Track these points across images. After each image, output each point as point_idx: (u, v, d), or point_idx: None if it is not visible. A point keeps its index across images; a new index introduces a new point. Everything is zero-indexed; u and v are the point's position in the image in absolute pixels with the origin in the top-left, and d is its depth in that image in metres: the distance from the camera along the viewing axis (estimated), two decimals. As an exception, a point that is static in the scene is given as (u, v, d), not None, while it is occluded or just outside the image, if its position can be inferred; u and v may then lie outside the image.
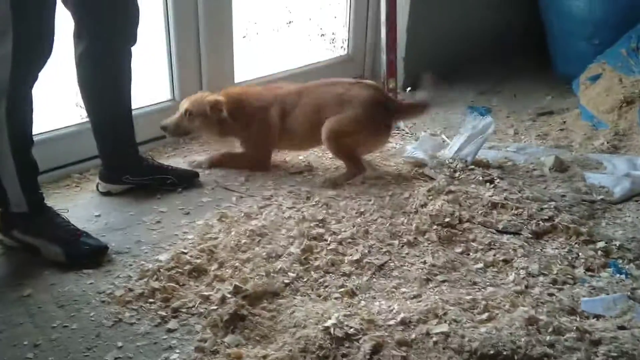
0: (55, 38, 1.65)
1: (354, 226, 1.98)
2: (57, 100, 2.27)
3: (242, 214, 2.06)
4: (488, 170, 2.31)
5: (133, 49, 2.00)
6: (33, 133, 1.78)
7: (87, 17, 1.85)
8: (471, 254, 1.89)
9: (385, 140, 2.43)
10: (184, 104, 2.31)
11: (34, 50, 1.61)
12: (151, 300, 1.66)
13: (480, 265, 1.83)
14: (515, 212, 2.07)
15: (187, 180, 2.26)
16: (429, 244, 1.91)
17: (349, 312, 1.57)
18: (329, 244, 1.88)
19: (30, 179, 1.77)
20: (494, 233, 1.98)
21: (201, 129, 2.35)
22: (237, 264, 1.78)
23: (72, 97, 2.26)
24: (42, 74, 1.70)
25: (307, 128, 2.32)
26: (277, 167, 2.43)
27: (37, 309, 1.61)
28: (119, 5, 1.87)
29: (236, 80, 2.74)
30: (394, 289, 1.70)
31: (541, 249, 1.92)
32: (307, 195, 2.19)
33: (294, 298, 1.67)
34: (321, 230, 1.95)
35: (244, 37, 2.79)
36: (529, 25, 3.57)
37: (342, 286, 1.71)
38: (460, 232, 1.96)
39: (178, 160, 2.45)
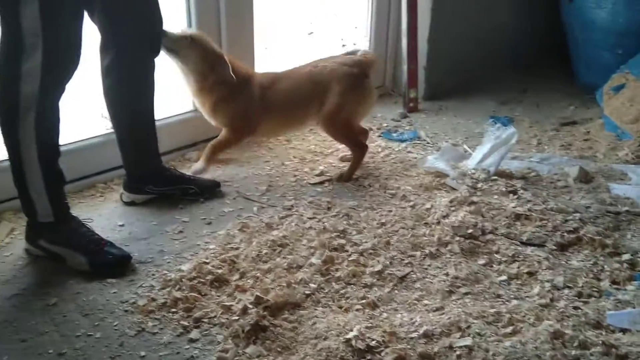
0: (82, 50, 1.68)
1: (375, 237, 1.97)
2: (83, 112, 2.30)
3: (263, 224, 2.06)
4: (511, 181, 2.29)
5: (156, 60, 2.02)
6: (60, 144, 1.81)
7: (113, 30, 1.88)
8: (494, 266, 1.87)
9: (373, 99, 2.50)
10: (194, 31, 2.29)
11: (62, 63, 1.64)
12: (173, 310, 1.67)
13: (504, 277, 1.81)
14: (540, 223, 2.04)
15: (208, 190, 2.27)
16: (452, 255, 1.89)
17: (370, 324, 1.56)
18: (350, 255, 1.88)
19: (57, 189, 1.80)
20: (517, 245, 1.96)
21: (190, 62, 2.25)
22: (258, 275, 1.79)
23: (97, 109, 2.30)
24: (69, 86, 1.73)
25: (287, 109, 2.38)
26: (297, 178, 2.43)
27: (62, 317, 1.63)
28: (143, 18, 1.90)
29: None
30: (416, 301, 1.69)
31: (566, 261, 1.89)
32: (327, 206, 2.19)
33: (315, 309, 1.66)
34: (342, 241, 1.94)
35: (265, 48, 2.82)
36: (551, 34, 3.54)
37: (363, 297, 1.70)
38: (483, 244, 1.95)
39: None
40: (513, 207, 2.11)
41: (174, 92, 2.54)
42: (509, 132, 2.38)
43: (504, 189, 2.22)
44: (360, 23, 3.18)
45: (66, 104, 1.78)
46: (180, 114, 2.58)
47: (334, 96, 2.33)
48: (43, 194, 1.74)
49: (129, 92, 2.01)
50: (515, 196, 2.19)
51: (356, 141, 2.46)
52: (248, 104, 2.36)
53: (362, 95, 2.41)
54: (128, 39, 1.89)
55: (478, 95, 3.31)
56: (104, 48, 1.92)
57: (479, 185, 2.25)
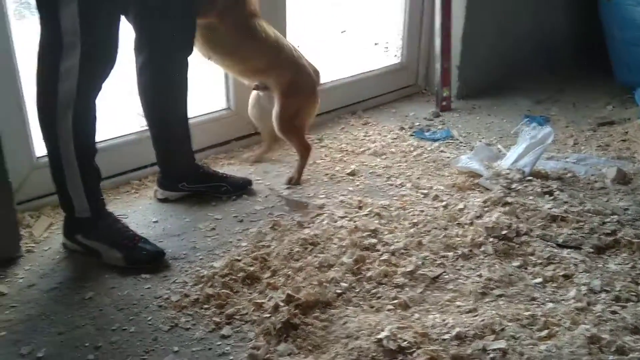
0: (119, 50, 1.71)
1: (407, 237, 1.96)
2: (119, 109, 2.34)
3: (295, 223, 2.07)
4: (547, 182, 2.25)
5: (189, 58, 2.05)
6: (96, 141, 1.84)
7: (147, 29, 1.91)
8: (529, 268, 1.83)
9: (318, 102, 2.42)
10: None
11: (99, 62, 1.67)
12: (206, 306, 1.68)
13: (539, 280, 1.77)
14: (576, 225, 2.00)
15: (241, 188, 2.29)
16: (485, 257, 1.87)
17: (402, 325, 1.55)
18: (381, 255, 1.87)
19: (94, 186, 1.83)
20: (553, 247, 1.92)
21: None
22: (289, 273, 1.79)
23: (132, 106, 2.33)
24: (105, 84, 1.76)
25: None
26: (329, 177, 2.43)
27: (98, 311, 1.66)
28: (177, 17, 1.92)
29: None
30: (448, 303, 1.67)
31: (603, 265, 1.85)
32: (359, 205, 2.18)
33: (347, 308, 1.66)
34: (373, 241, 1.93)
35: (298, 46, 2.81)
36: (588, 32, 3.46)
37: (395, 298, 1.69)
38: (518, 246, 1.91)
39: (232, 168, 2.49)
40: (549, 209, 2.07)
41: (207, 90, 2.57)
42: (545, 132, 2.34)
43: (539, 190, 2.18)
44: (393, 21, 3.15)
45: (102, 102, 1.81)
46: (213, 112, 2.61)
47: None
48: (80, 191, 1.77)
49: (162, 91, 2.03)
50: (551, 197, 2.15)
51: (305, 140, 2.40)
52: None
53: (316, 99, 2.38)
54: (162, 38, 1.92)
55: (512, 94, 3.27)
56: (138, 47, 1.95)
57: (514, 185, 2.21)
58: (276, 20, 2.59)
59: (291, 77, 2.28)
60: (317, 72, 2.39)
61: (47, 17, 1.58)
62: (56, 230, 1.99)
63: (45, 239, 1.96)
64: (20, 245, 1.87)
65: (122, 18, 1.78)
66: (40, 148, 2.02)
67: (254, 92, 2.41)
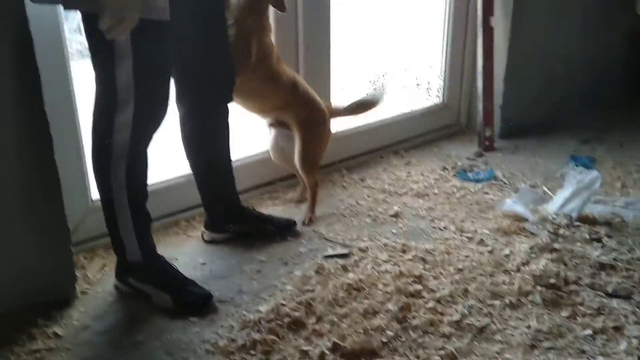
0: (170, 102, 1.78)
1: (452, 283, 1.95)
2: (167, 153, 2.41)
3: (339, 266, 2.08)
4: (595, 227, 2.21)
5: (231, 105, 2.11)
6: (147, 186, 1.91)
7: (188, 82, 1.98)
8: (579, 318, 1.80)
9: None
10: None
11: (151, 116, 1.74)
12: (252, 352, 1.70)
13: (589, 331, 1.74)
14: (626, 274, 1.96)
15: (285, 229, 2.32)
16: (533, 306, 1.84)
17: (449, 377, 1.54)
18: (427, 302, 1.86)
19: (145, 229, 1.89)
20: (602, 296, 1.88)
21: (248, 32, 2.10)
22: (334, 319, 1.80)
23: (180, 150, 2.40)
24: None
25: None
26: (372, 218, 2.45)
27: (148, 355, 1.70)
28: (217, 69, 1.98)
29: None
30: (496, 355, 1.65)
31: (656, 316, 1.80)
32: (402, 249, 2.18)
33: (393, 358, 1.66)
34: (418, 287, 1.93)
35: (341, 89, 2.87)
36: (634, 70, 3.42)
37: (441, 348, 1.68)
38: (567, 295, 1.88)
39: (277, 209, 2.53)
40: (597, 256, 2.03)
41: (251, 132, 2.63)
42: (592, 177, 2.31)
43: (587, 236, 2.15)
44: (435, 62, 3.19)
45: (151, 146, 1.88)
46: (257, 154, 2.66)
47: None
48: (132, 235, 1.83)
49: (205, 139, 2.10)
50: (600, 244, 2.11)
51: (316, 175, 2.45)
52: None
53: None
54: (203, 89, 1.98)
55: (557, 133, 3.23)
56: (180, 99, 2.02)
57: (561, 231, 2.19)
58: (320, 65, 2.66)
59: (307, 113, 2.33)
60: (329, 108, 2.45)
61: (103, 75, 1.65)
62: (109, 272, 2.05)
63: (98, 280, 2.03)
64: (75, 287, 1.94)
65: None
66: (95, 191, 2.10)
67: (272, 136, 2.45)
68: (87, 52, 1.69)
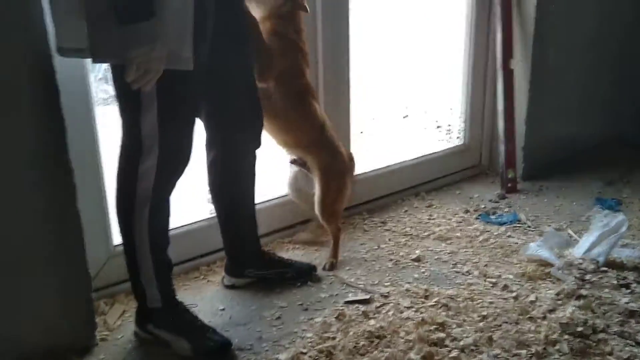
0: (193, 149, 1.81)
1: (476, 331, 1.90)
2: (188, 197, 2.44)
3: (360, 312, 2.05)
4: (623, 273, 2.16)
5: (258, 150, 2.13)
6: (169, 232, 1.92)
7: (218, 129, 2.01)
8: (608, 369, 1.74)
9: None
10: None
11: (175, 163, 1.77)
12: (272, 402, 1.67)
13: (620, 383, 1.68)
14: (657, 322, 1.90)
15: (305, 274, 2.31)
16: (560, 356, 1.78)
17: None
18: (450, 351, 1.81)
19: (166, 276, 1.89)
20: (632, 345, 1.82)
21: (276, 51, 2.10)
22: (356, 368, 1.76)
23: (201, 194, 2.43)
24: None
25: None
26: (393, 262, 2.42)
27: (166, 405, 1.68)
28: (247, 116, 2.02)
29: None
30: (523, 407, 1.60)
31: (690, 367, 1.73)
32: (425, 294, 2.15)
33: (415, 410, 1.61)
34: (441, 335, 1.89)
35: (361, 132, 2.89)
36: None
37: (466, 400, 1.63)
38: (595, 344, 1.82)
39: (297, 253, 2.51)
40: (626, 303, 1.97)
41: (272, 176, 2.64)
42: (618, 220, 2.26)
43: (615, 282, 2.09)
44: (456, 105, 3.19)
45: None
46: (278, 197, 2.67)
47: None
48: (153, 281, 1.83)
49: (232, 185, 2.11)
50: (628, 290, 2.05)
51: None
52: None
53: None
54: (232, 136, 2.01)
55: (581, 175, 3.19)
56: (209, 144, 2.05)
57: (588, 276, 2.13)
58: (341, 113, 2.68)
59: (330, 160, 2.33)
60: (351, 158, 2.45)
61: (129, 122, 1.69)
62: (129, 318, 2.05)
63: (118, 326, 2.02)
64: (95, 334, 1.94)
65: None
66: (117, 236, 2.12)
67: (292, 173, 2.45)
68: (112, 100, 1.73)
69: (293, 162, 2.41)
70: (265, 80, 2.11)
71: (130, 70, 1.52)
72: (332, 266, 2.38)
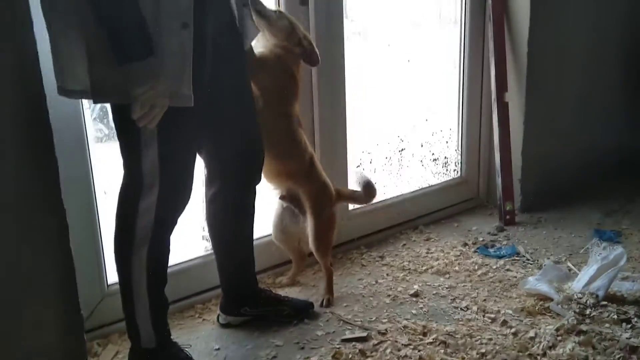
0: (193, 187, 1.80)
1: (475, 369, 1.87)
2: (184, 234, 2.42)
3: (357, 351, 2.02)
4: (623, 307, 2.13)
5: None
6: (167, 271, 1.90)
7: (218, 165, 2.01)
8: (611, 408, 1.70)
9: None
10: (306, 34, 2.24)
11: (175, 201, 1.76)
12: None
13: (623, 423, 1.64)
14: (660, 358, 1.86)
15: (302, 311, 2.28)
16: (561, 394, 1.75)
17: None
18: (448, 390, 1.78)
19: (161, 317, 1.87)
20: (636, 383, 1.78)
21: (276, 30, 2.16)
22: (352, 409, 1.73)
23: (197, 230, 2.41)
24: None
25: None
26: (391, 298, 2.39)
27: None
28: (248, 153, 2.02)
29: (350, 208, 2.80)
30: None
31: (695, 406, 1.69)
32: (423, 331, 2.12)
33: None
34: (440, 374, 1.86)
35: (357, 166, 2.89)
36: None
37: None
38: (596, 382, 1.79)
39: (294, 290, 2.49)
40: (627, 338, 1.94)
41: (266, 213, 2.63)
42: (617, 253, 2.24)
43: (615, 317, 2.06)
44: (452, 138, 3.20)
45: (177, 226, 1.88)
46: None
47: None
48: (148, 322, 1.81)
49: (231, 220, 2.10)
50: (629, 325, 2.02)
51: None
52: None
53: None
54: (233, 173, 2.00)
55: (580, 206, 3.18)
56: (209, 180, 2.05)
57: (588, 311, 2.10)
58: (337, 147, 2.68)
59: (320, 191, 2.33)
60: (337, 190, 2.43)
61: (129, 160, 1.69)
62: (122, 359, 2.01)
63: (111, 368, 1.99)
64: (87, 376, 1.90)
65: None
66: (112, 275, 2.10)
67: (278, 211, 2.43)
68: (106, 138, 1.73)
69: (282, 198, 2.39)
70: (255, 78, 2.08)
71: (136, 108, 1.53)
72: (329, 302, 2.36)
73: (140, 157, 1.65)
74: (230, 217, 2.10)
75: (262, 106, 2.11)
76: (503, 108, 3.00)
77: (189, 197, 1.80)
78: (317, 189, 2.33)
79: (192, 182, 1.79)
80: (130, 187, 1.71)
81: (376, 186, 2.54)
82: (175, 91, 1.59)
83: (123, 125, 1.63)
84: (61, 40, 1.56)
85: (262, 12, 2.10)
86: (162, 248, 1.80)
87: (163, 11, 1.53)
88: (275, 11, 2.18)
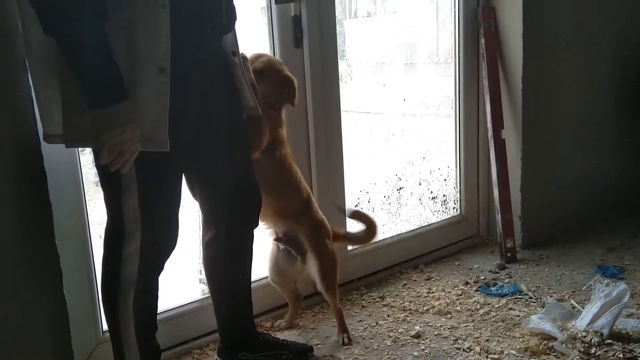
0: (180, 232, 1.79)
1: (479, 413, 1.81)
2: (179, 278, 2.40)
3: (358, 397, 1.97)
4: (629, 345, 2.07)
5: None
6: (158, 311, 1.87)
7: (214, 210, 1.99)
8: None
9: None
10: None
11: (159, 247, 1.75)
12: None
13: None
14: (669, 398, 1.80)
15: (301, 355, 2.23)
16: None
17: None
18: None
19: (153, 364, 1.83)
20: None
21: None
22: None
23: (194, 274, 2.39)
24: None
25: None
26: (392, 339, 2.34)
27: None
28: (245, 197, 2.00)
29: (349, 248, 2.78)
30: None
31: None
32: (426, 374, 2.07)
33: None
34: (443, 418, 1.80)
35: (355, 205, 2.88)
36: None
37: None
38: None
39: (293, 333, 2.44)
40: (635, 378, 1.89)
41: (264, 255, 2.61)
42: (620, 289, 2.20)
43: (621, 356, 2.01)
44: (450, 176, 3.20)
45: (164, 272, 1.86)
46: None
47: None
48: (139, 370, 1.77)
49: (228, 266, 2.07)
50: (636, 364, 1.97)
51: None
52: None
53: None
54: (229, 218, 1.98)
55: (582, 241, 3.14)
56: (206, 225, 2.03)
57: (592, 350, 2.05)
58: (335, 188, 2.67)
59: (319, 230, 2.30)
60: (333, 230, 2.40)
61: (111, 206, 1.69)
62: (115, 410, 1.96)
63: (104, 418, 1.94)
64: None
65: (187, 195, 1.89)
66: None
67: (273, 253, 2.40)
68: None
69: (278, 239, 2.36)
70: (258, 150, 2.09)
71: (102, 153, 1.53)
72: (349, 339, 2.34)
73: (120, 203, 1.64)
74: (227, 262, 2.07)
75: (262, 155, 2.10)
76: (500, 145, 3.00)
77: (175, 242, 1.78)
78: (316, 227, 2.30)
79: (177, 227, 1.78)
80: (113, 234, 1.70)
81: (377, 224, 2.51)
82: (150, 135, 1.58)
83: (103, 171, 1.62)
84: (40, 85, 1.57)
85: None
86: (149, 294, 1.77)
87: (139, 55, 1.53)
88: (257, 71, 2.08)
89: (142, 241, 1.66)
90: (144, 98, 1.55)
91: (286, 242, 2.34)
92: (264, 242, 2.39)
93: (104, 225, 1.75)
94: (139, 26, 1.52)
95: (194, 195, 1.98)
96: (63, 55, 1.48)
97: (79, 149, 1.97)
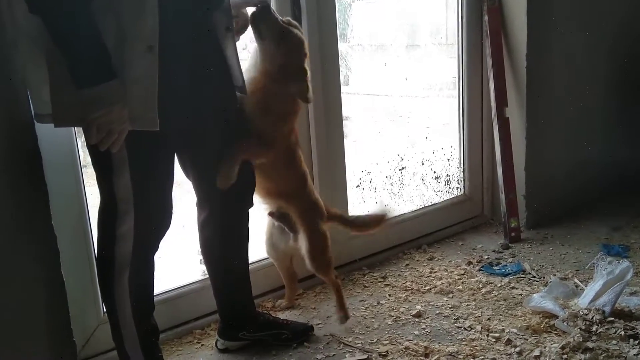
0: (173, 211, 1.78)
1: (477, 391, 1.81)
2: (180, 259, 2.40)
3: (358, 375, 1.97)
4: (630, 323, 2.06)
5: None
6: (159, 292, 1.87)
7: (207, 189, 1.98)
8: None
9: None
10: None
11: (152, 226, 1.75)
12: None
13: None
14: (670, 375, 1.79)
15: (302, 335, 2.23)
16: (566, 415, 1.68)
17: None
18: (449, 413, 1.72)
19: (152, 344, 1.84)
20: (645, 402, 1.71)
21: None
22: None
23: (194, 255, 2.39)
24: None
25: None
26: (393, 319, 2.34)
27: None
28: (238, 175, 1.98)
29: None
30: None
31: None
32: (425, 352, 2.07)
33: None
34: (441, 396, 1.80)
35: (357, 186, 2.87)
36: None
37: None
38: (603, 401, 1.72)
39: (294, 313, 2.45)
40: (635, 355, 1.88)
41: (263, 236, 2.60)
42: (623, 267, 2.18)
43: (622, 333, 2.00)
44: (453, 155, 3.17)
45: (164, 252, 1.86)
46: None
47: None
48: (137, 349, 1.78)
49: (224, 244, 2.07)
50: (637, 341, 1.95)
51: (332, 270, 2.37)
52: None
53: None
54: (223, 196, 1.97)
55: (587, 221, 3.11)
56: (200, 204, 2.02)
57: (594, 328, 2.04)
58: (336, 168, 2.66)
59: (312, 210, 2.27)
60: (327, 210, 2.37)
61: (103, 186, 1.68)
62: (116, 388, 1.98)
63: (105, 397, 1.96)
64: (78, 406, 1.87)
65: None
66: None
67: (267, 227, 2.39)
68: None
69: (271, 214, 2.34)
70: (262, 157, 2.07)
71: (90, 133, 1.52)
72: (347, 318, 2.32)
73: (112, 183, 1.64)
74: (222, 241, 2.07)
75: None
76: (504, 123, 2.97)
77: (169, 222, 1.78)
78: (309, 207, 2.27)
79: (170, 207, 1.77)
80: (106, 214, 1.70)
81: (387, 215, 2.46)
82: (140, 114, 1.56)
83: (94, 151, 1.61)
84: (29, 64, 1.56)
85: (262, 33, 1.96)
86: (144, 274, 1.78)
87: (126, 34, 1.51)
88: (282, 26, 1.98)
89: (136, 221, 1.66)
90: (132, 77, 1.53)
91: (279, 218, 2.32)
92: (262, 221, 2.39)
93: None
94: (125, 3, 1.50)
95: (187, 174, 1.97)
96: (48, 34, 1.46)
97: (76, 129, 1.97)
